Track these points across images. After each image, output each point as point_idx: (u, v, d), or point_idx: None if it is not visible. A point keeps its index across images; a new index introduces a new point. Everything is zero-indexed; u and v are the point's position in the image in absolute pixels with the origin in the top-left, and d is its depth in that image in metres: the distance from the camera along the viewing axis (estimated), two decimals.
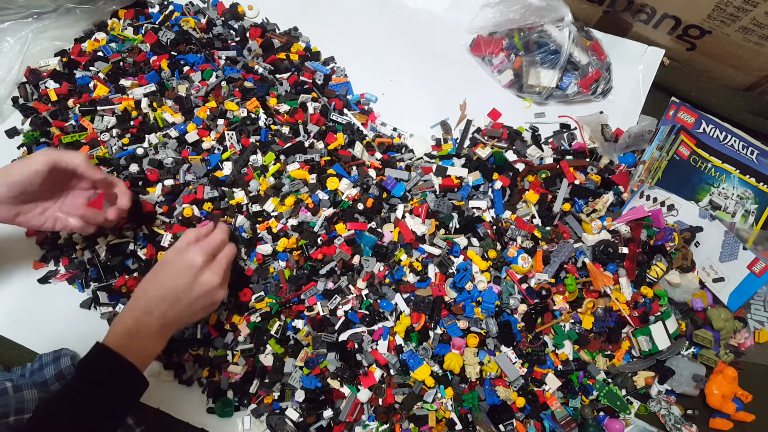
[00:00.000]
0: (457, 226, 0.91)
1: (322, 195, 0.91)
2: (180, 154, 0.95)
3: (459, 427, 0.83)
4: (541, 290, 0.87)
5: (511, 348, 0.86)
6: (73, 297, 0.92)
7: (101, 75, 1.01)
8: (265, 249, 0.89)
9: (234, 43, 1.08)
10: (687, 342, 0.91)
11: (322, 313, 0.87)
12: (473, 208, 0.93)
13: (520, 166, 0.98)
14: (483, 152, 0.99)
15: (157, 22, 1.07)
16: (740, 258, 0.90)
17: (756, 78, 1.10)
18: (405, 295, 0.87)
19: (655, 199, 0.95)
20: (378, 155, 0.99)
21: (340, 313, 0.87)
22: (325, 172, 0.93)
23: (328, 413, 0.83)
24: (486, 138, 1.04)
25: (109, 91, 1.00)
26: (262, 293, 0.88)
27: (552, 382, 0.86)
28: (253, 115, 0.97)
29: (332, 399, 0.85)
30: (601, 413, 0.88)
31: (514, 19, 1.04)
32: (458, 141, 1.04)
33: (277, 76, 1.04)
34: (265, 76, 1.02)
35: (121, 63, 1.02)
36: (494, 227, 0.92)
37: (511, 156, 1.00)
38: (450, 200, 0.93)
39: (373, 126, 1.04)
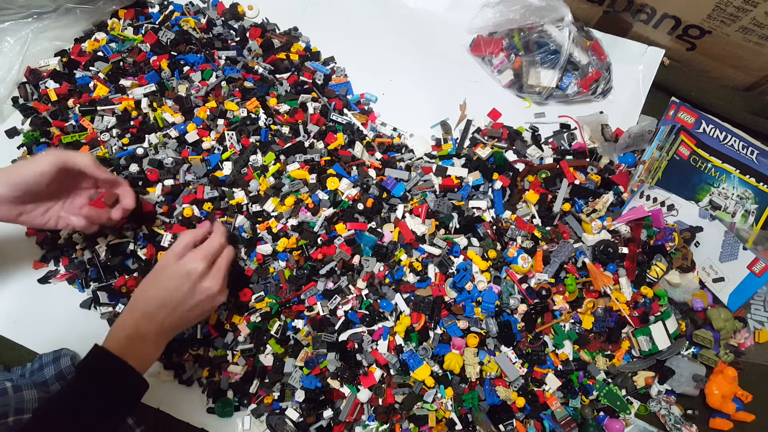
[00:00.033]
0: (457, 226, 0.91)
1: (322, 195, 0.91)
2: (180, 154, 0.95)
3: (459, 427, 0.83)
4: (541, 290, 0.87)
5: (511, 348, 0.86)
6: (73, 297, 0.92)
7: (101, 75, 1.01)
8: (265, 249, 0.89)
9: (234, 43, 1.08)
10: (687, 342, 0.91)
11: (322, 313, 0.87)
12: (473, 208, 0.93)
13: (520, 166, 0.98)
14: (483, 152, 0.99)
15: (157, 22, 1.07)
16: (740, 258, 0.90)
17: (756, 78, 1.10)
18: (405, 295, 0.87)
19: (655, 199, 0.95)
20: (378, 155, 0.99)
21: (340, 313, 0.87)
22: (325, 172, 0.93)
23: (328, 413, 0.83)
24: (486, 138, 1.04)
25: (109, 91, 1.00)
26: (262, 293, 0.88)
27: (552, 382, 0.86)
28: (253, 115, 0.97)
29: (332, 399, 0.85)
30: (601, 413, 0.88)
31: (514, 19, 1.04)
32: (458, 141, 1.04)
33: (277, 76, 1.04)
34: (265, 76, 1.02)
35: (121, 63, 1.02)
36: (494, 227, 0.92)
37: (511, 156, 1.00)
38: (450, 200, 0.93)
39: (373, 126, 1.04)
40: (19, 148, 0.99)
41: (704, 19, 1.01)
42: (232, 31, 1.10)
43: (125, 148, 0.95)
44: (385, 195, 0.93)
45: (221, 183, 0.93)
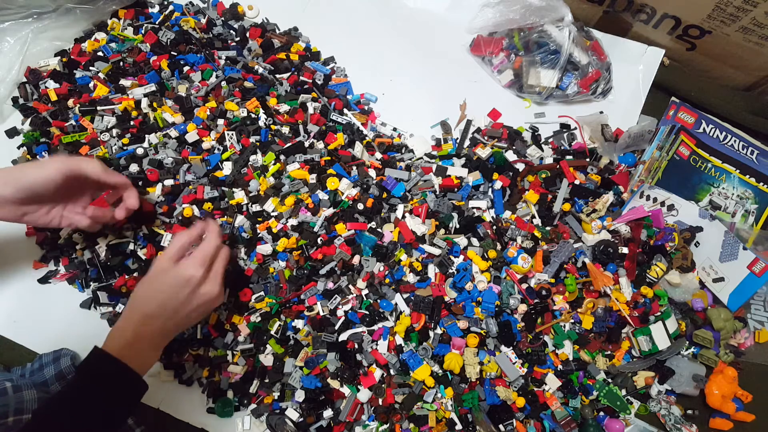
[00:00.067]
0: (457, 226, 0.91)
1: (322, 195, 0.91)
2: (180, 154, 0.95)
3: (459, 427, 0.83)
4: (541, 290, 0.87)
5: (511, 348, 0.86)
6: (73, 297, 0.92)
7: (101, 75, 1.01)
8: (265, 249, 0.89)
9: (234, 43, 1.08)
10: (687, 342, 0.91)
11: (322, 313, 0.87)
12: (473, 208, 0.93)
13: (520, 166, 0.98)
14: (483, 152, 0.99)
15: (157, 22, 1.07)
16: (740, 258, 0.90)
17: (756, 78, 1.10)
18: (405, 295, 0.87)
19: (655, 199, 0.95)
20: (378, 155, 0.99)
21: (340, 313, 0.87)
22: (325, 172, 0.93)
23: (328, 413, 0.83)
24: (486, 138, 1.04)
25: (109, 91, 1.00)
26: (262, 293, 0.88)
27: (552, 382, 0.86)
28: (253, 115, 0.97)
29: (332, 399, 0.85)
30: (601, 413, 0.88)
31: (514, 19, 1.04)
32: (458, 141, 1.04)
33: (277, 76, 1.04)
34: (265, 76, 1.02)
35: (121, 63, 1.02)
36: (494, 227, 0.92)
37: (511, 156, 1.00)
38: (450, 200, 0.93)
39: (373, 126, 1.04)
40: (19, 148, 0.99)
41: (704, 19, 1.01)
42: (232, 31, 1.10)
43: (125, 148, 0.95)
44: (385, 195, 0.93)
45: (221, 183, 0.93)
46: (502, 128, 1.04)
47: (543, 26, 1.03)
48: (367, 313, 0.86)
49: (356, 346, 0.85)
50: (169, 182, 0.93)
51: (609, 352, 0.89)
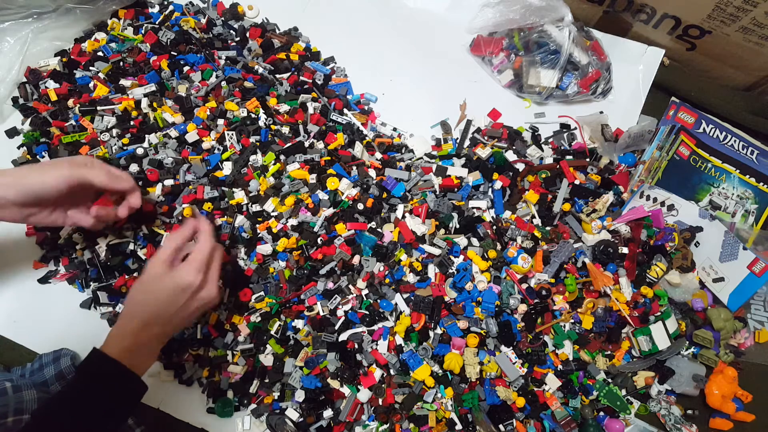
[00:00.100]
0: (457, 226, 0.91)
1: (322, 195, 0.91)
2: (180, 154, 0.95)
3: (459, 427, 0.83)
4: (541, 290, 0.87)
5: (511, 348, 0.86)
6: (73, 297, 0.92)
7: (101, 75, 1.01)
8: (265, 249, 0.89)
9: (234, 43, 1.08)
10: (687, 342, 0.91)
11: (322, 313, 0.87)
12: (473, 208, 0.93)
13: (520, 166, 0.98)
14: (483, 152, 0.99)
15: (157, 22, 1.07)
16: (740, 258, 0.90)
17: (756, 78, 1.10)
18: (405, 295, 0.87)
19: (655, 199, 0.95)
20: (378, 155, 0.99)
21: (340, 313, 0.87)
22: (325, 172, 0.93)
23: (328, 413, 0.83)
24: (486, 138, 1.04)
25: (109, 91, 1.00)
26: (262, 293, 0.88)
27: (552, 382, 0.86)
28: (253, 115, 0.97)
29: (332, 399, 0.85)
30: (601, 413, 0.88)
31: (514, 19, 1.04)
32: (458, 141, 1.04)
33: (277, 76, 1.04)
34: (265, 76, 1.02)
35: (121, 63, 1.02)
36: (494, 227, 0.92)
37: (511, 156, 1.00)
38: (450, 200, 0.93)
39: (373, 126, 1.04)
40: (19, 148, 0.99)
41: (704, 19, 1.01)
42: (232, 31, 1.10)
43: (125, 148, 0.95)
44: (385, 195, 0.93)
45: (221, 183, 0.93)
46: (502, 128, 1.04)
47: (543, 26, 1.03)
48: (367, 313, 0.86)
49: (356, 346, 0.85)
50: (169, 182, 0.93)
51: (609, 352, 0.89)
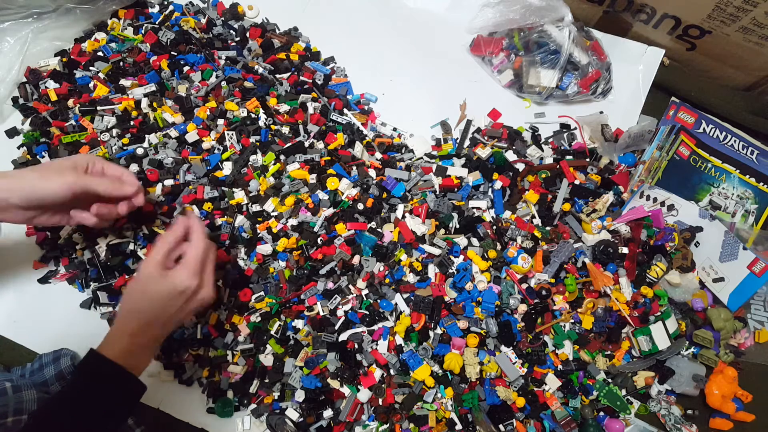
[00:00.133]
0: (457, 226, 0.91)
1: (322, 195, 0.91)
2: (180, 154, 0.95)
3: (459, 427, 0.83)
4: (541, 290, 0.87)
5: (511, 348, 0.86)
6: (73, 297, 0.92)
7: (101, 75, 1.01)
8: (265, 249, 0.89)
9: (234, 43, 1.08)
10: (687, 342, 0.91)
11: (322, 313, 0.87)
12: (473, 208, 0.93)
13: (520, 166, 0.98)
14: (483, 152, 0.99)
15: (157, 22, 1.07)
16: (740, 258, 0.90)
17: (756, 78, 1.10)
18: (405, 295, 0.87)
19: (655, 199, 0.95)
20: (378, 155, 0.99)
21: (340, 313, 0.87)
22: (325, 172, 0.93)
23: (328, 413, 0.83)
24: (486, 138, 1.04)
25: (109, 91, 1.00)
26: (262, 293, 0.88)
27: (552, 382, 0.86)
28: (253, 115, 0.97)
29: (332, 399, 0.85)
30: (601, 413, 0.88)
31: (514, 19, 1.04)
32: (458, 141, 1.04)
33: (277, 76, 1.04)
34: (265, 76, 1.02)
35: (121, 63, 1.02)
36: (494, 227, 0.92)
37: (511, 156, 1.00)
38: (450, 200, 0.93)
39: (373, 126, 1.04)
40: (19, 148, 0.99)
41: (704, 19, 1.01)
42: (232, 31, 1.10)
43: (125, 148, 0.95)
44: (385, 195, 0.93)
45: (221, 183, 0.93)
46: (502, 128, 1.04)
47: (543, 26, 1.03)
48: (367, 313, 0.86)
49: (356, 346, 0.85)
50: (169, 182, 0.93)
51: (609, 352, 0.89)
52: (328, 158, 0.94)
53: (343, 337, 0.85)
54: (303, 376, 0.85)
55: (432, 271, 0.88)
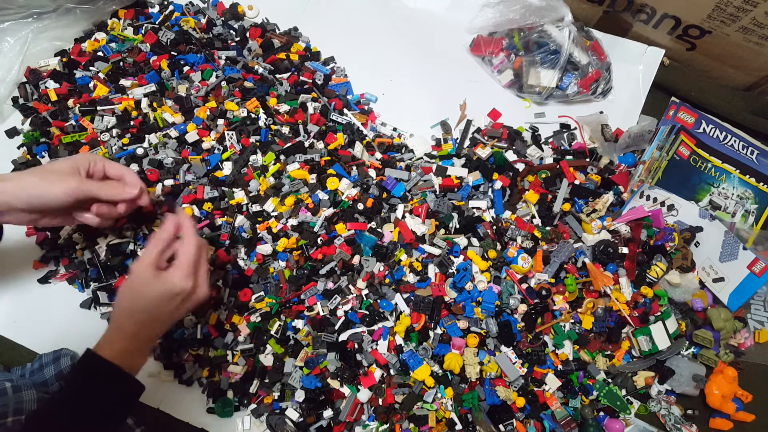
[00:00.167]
0: (457, 226, 0.91)
1: (322, 195, 0.91)
2: (180, 154, 0.95)
3: (459, 427, 0.83)
4: (541, 290, 0.87)
5: (511, 348, 0.86)
6: (73, 297, 0.92)
7: (101, 75, 1.01)
8: (265, 249, 0.89)
9: (234, 43, 1.08)
10: (687, 342, 0.91)
11: (322, 313, 0.87)
12: (473, 208, 0.93)
13: (520, 166, 0.98)
14: (483, 152, 0.99)
15: (157, 22, 1.07)
16: (740, 258, 0.90)
17: (756, 78, 1.10)
18: (405, 295, 0.87)
19: (655, 199, 0.95)
20: (378, 155, 0.99)
21: (340, 313, 0.87)
22: (325, 172, 0.93)
23: (328, 413, 0.83)
24: (486, 138, 1.04)
25: (109, 91, 1.00)
26: (262, 293, 0.88)
27: (552, 382, 0.86)
28: (253, 115, 0.97)
29: (332, 399, 0.85)
30: (601, 413, 0.88)
31: (514, 19, 1.04)
32: (458, 141, 1.04)
33: (277, 76, 1.04)
34: (265, 76, 1.02)
35: (121, 63, 1.02)
36: (494, 227, 0.92)
37: (511, 156, 1.00)
38: (450, 200, 0.93)
39: (373, 126, 1.04)
40: (19, 148, 0.99)
41: (704, 19, 1.01)
42: (232, 31, 1.10)
43: (125, 148, 0.95)
44: (385, 195, 0.93)
45: (221, 183, 0.93)
46: (502, 128, 1.04)
47: (543, 26, 1.03)
48: (367, 313, 0.86)
49: (356, 346, 0.85)
50: (169, 182, 0.93)
51: (609, 352, 0.89)
52: (328, 158, 0.94)
53: (343, 337, 0.85)
54: (303, 376, 0.85)
55: (432, 271, 0.88)
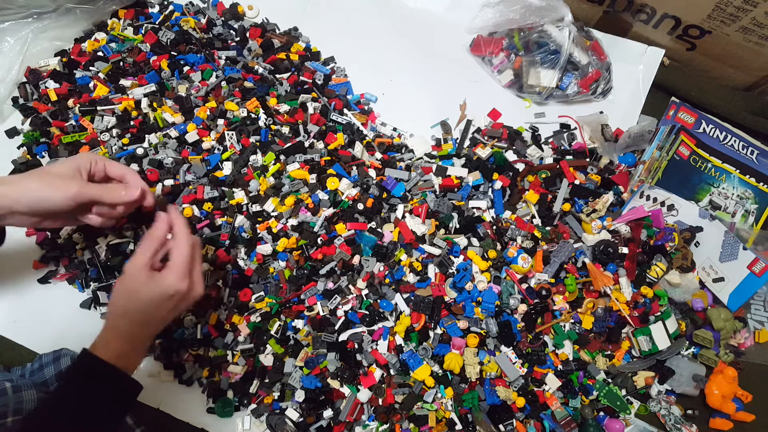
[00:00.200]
0: (457, 226, 0.91)
1: (322, 195, 0.91)
2: (180, 154, 0.95)
3: (459, 427, 0.83)
4: (541, 290, 0.87)
5: (511, 348, 0.86)
6: (73, 297, 0.92)
7: (101, 75, 1.01)
8: (265, 249, 0.89)
9: (234, 43, 1.08)
10: (687, 342, 0.91)
11: (322, 313, 0.87)
12: (473, 208, 0.93)
13: (520, 166, 0.98)
14: (483, 152, 0.99)
15: (157, 22, 1.07)
16: (740, 258, 0.90)
17: (756, 78, 1.10)
18: (405, 295, 0.87)
19: (655, 199, 0.95)
20: (378, 155, 0.99)
21: (340, 313, 0.87)
22: (325, 172, 0.93)
23: (328, 413, 0.83)
24: (486, 138, 1.04)
25: (109, 91, 1.00)
26: (262, 293, 0.88)
27: (552, 382, 0.86)
28: (253, 115, 0.97)
29: (332, 399, 0.85)
30: (601, 413, 0.88)
31: (514, 19, 1.04)
32: (458, 141, 1.04)
33: (277, 76, 1.04)
34: (265, 76, 1.02)
35: (121, 63, 1.02)
36: (494, 227, 0.92)
37: (511, 156, 1.00)
38: (450, 200, 0.93)
39: (373, 126, 1.04)
40: (19, 148, 0.99)
41: (704, 19, 1.01)
42: (232, 31, 1.10)
43: (125, 148, 0.95)
44: (385, 195, 0.93)
45: (221, 183, 0.93)
46: (502, 128, 1.04)
47: (543, 26, 1.03)
48: (367, 313, 0.86)
49: (356, 346, 0.85)
50: (169, 182, 0.93)
51: (609, 352, 0.89)
52: (328, 158, 0.94)
53: (343, 337, 0.85)
54: (303, 376, 0.85)
55: (432, 271, 0.88)
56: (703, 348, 0.91)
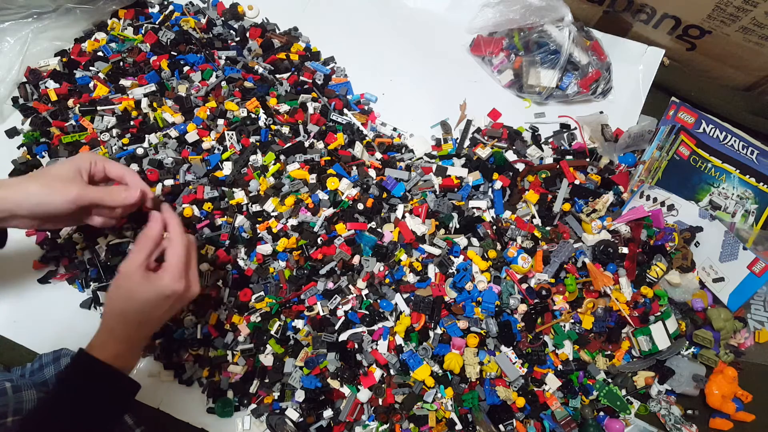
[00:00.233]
0: (457, 226, 0.91)
1: (322, 195, 0.91)
2: (180, 154, 0.95)
3: (459, 427, 0.83)
4: (541, 290, 0.87)
5: (511, 348, 0.86)
6: (73, 297, 0.92)
7: (101, 75, 1.01)
8: (265, 249, 0.89)
9: (234, 43, 1.08)
10: (687, 342, 0.91)
11: (322, 313, 0.87)
12: (473, 208, 0.93)
13: (520, 166, 0.98)
14: (483, 152, 0.99)
15: (157, 22, 1.07)
16: (740, 258, 0.90)
17: (756, 78, 1.10)
18: (405, 295, 0.87)
19: (655, 199, 0.95)
20: (378, 155, 0.99)
21: (340, 313, 0.87)
22: (325, 172, 0.93)
23: (328, 413, 0.83)
24: (486, 138, 1.04)
25: (109, 91, 1.00)
26: (262, 293, 0.88)
27: (552, 382, 0.86)
28: (253, 115, 0.97)
29: (332, 399, 0.85)
30: (601, 413, 0.88)
31: (514, 19, 1.04)
32: (458, 141, 1.04)
33: (277, 76, 1.04)
34: (265, 76, 1.02)
35: (121, 63, 1.02)
36: (494, 227, 0.92)
37: (511, 156, 1.00)
38: (450, 200, 0.93)
39: (373, 126, 1.04)
40: (19, 148, 0.99)
41: (704, 19, 1.01)
42: (232, 31, 1.10)
43: (125, 148, 0.95)
44: (385, 195, 0.93)
45: (221, 183, 0.93)
46: (502, 128, 1.04)
47: (543, 26, 1.03)
48: (367, 313, 0.86)
49: (356, 346, 0.85)
50: (169, 182, 0.93)
51: (609, 352, 0.89)
52: (328, 158, 0.94)
53: (343, 337, 0.85)
54: (303, 376, 0.85)
55: (432, 271, 0.88)
56: (703, 348, 0.91)
